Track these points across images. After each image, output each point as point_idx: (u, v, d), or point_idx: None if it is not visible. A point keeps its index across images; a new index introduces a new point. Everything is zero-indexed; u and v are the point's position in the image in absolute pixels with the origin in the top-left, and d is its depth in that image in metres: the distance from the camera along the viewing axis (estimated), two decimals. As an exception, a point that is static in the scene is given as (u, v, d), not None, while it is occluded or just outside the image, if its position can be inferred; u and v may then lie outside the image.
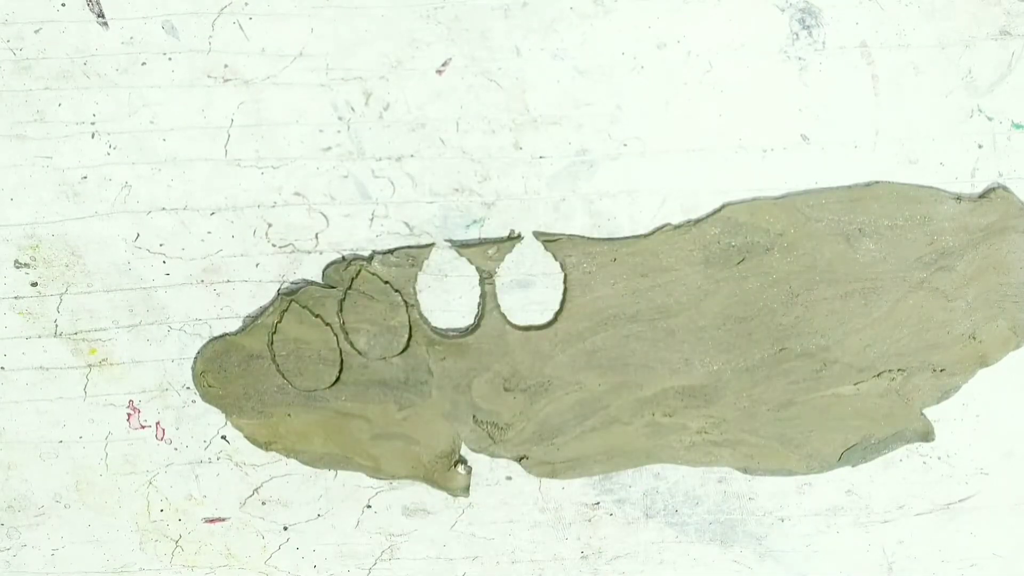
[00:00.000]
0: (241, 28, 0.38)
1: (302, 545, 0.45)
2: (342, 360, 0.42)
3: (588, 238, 0.40)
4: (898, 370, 0.42)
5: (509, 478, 0.44)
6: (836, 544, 0.45)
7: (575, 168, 0.40)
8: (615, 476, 0.44)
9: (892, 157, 0.40)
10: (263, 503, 0.44)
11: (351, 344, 0.41)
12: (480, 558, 0.45)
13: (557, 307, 0.41)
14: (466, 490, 0.44)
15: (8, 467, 0.43)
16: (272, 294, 0.41)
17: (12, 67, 0.38)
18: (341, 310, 0.41)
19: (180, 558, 0.45)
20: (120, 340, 0.42)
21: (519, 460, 0.43)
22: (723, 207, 0.40)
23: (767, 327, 0.41)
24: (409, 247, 0.40)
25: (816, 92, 0.39)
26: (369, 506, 0.44)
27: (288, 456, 0.43)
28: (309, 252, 0.41)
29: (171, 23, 0.37)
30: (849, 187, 0.40)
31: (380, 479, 0.44)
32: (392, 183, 0.40)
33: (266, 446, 0.43)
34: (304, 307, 0.41)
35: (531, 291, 0.41)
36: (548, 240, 0.40)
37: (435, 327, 0.42)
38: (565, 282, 0.41)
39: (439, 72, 0.38)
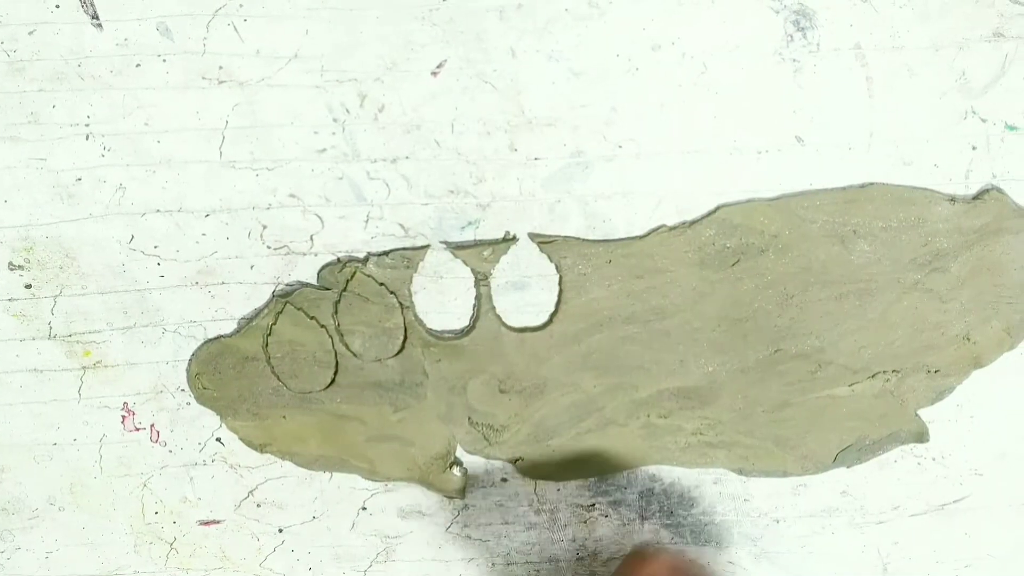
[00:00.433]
0: (236, 30, 0.38)
1: (297, 547, 0.45)
2: (337, 362, 0.42)
3: (583, 240, 0.40)
4: (893, 371, 0.42)
5: (504, 480, 0.44)
6: (831, 545, 0.45)
7: (570, 170, 0.40)
8: (610, 478, 0.44)
9: (886, 159, 0.40)
10: (258, 505, 0.44)
11: (346, 346, 0.41)
12: (475, 560, 0.45)
13: (552, 309, 0.41)
14: (461, 492, 0.44)
15: (2, 470, 0.43)
16: (267, 296, 0.41)
17: (6, 68, 0.38)
18: (336, 312, 0.41)
19: (175, 560, 0.45)
20: (114, 342, 0.41)
21: (514, 462, 0.43)
22: (718, 208, 0.40)
23: (762, 329, 0.41)
24: (404, 249, 0.40)
25: (810, 94, 0.39)
26: (364, 508, 0.44)
27: (283, 458, 0.43)
28: (304, 254, 0.40)
29: (165, 25, 0.37)
30: (843, 189, 0.40)
31: (375, 481, 0.44)
32: (387, 185, 0.40)
33: (261, 448, 0.43)
34: (299, 309, 0.41)
35: (526, 293, 0.41)
36: (543, 242, 0.40)
37: (430, 329, 0.42)
38: (560, 284, 0.41)
39: (434, 74, 0.38)
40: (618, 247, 0.40)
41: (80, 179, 0.39)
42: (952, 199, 0.40)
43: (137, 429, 0.43)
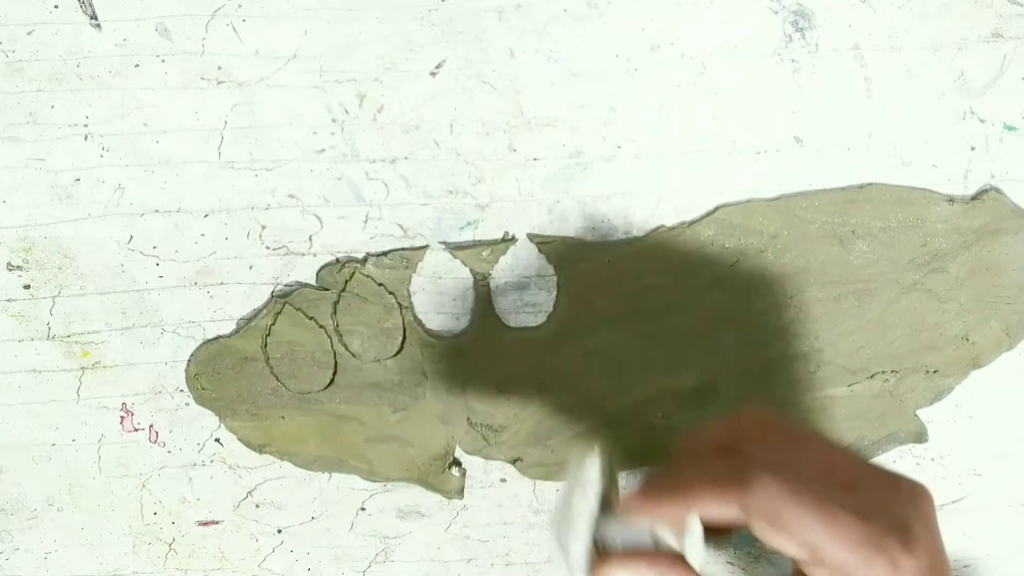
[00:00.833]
0: (234, 30, 0.38)
1: (296, 548, 0.45)
2: (336, 362, 0.42)
3: (582, 240, 0.40)
4: (891, 371, 0.42)
5: (504, 480, 0.44)
6: (830, 545, 0.45)
7: (569, 170, 0.40)
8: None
9: (885, 159, 0.40)
10: (257, 506, 0.44)
11: (345, 346, 0.41)
12: (475, 560, 0.45)
13: (551, 309, 0.41)
14: (460, 492, 0.44)
15: (1, 470, 0.43)
16: (266, 296, 0.41)
17: (5, 69, 0.38)
18: (335, 312, 0.41)
19: (173, 561, 0.45)
20: (113, 343, 0.41)
21: (513, 462, 0.43)
22: (717, 209, 0.40)
23: (761, 329, 0.41)
24: (403, 249, 0.40)
25: (809, 94, 0.39)
26: (363, 508, 0.44)
27: (282, 459, 0.43)
28: (303, 254, 0.40)
29: (164, 25, 0.37)
30: (842, 189, 0.40)
31: (374, 481, 0.44)
32: (386, 185, 0.40)
33: (260, 449, 0.43)
34: (298, 309, 0.41)
35: (525, 293, 0.41)
36: (542, 242, 0.40)
37: (429, 329, 0.42)
38: (559, 284, 0.41)
39: (433, 74, 0.38)
40: (617, 247, 0.40)
41: (79, 179, 0.39)
42: (951, 199, 0.40)
43: (136, 430, 0.43)
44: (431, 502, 0.44)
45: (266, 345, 0.41)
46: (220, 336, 0.41)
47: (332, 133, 0.39)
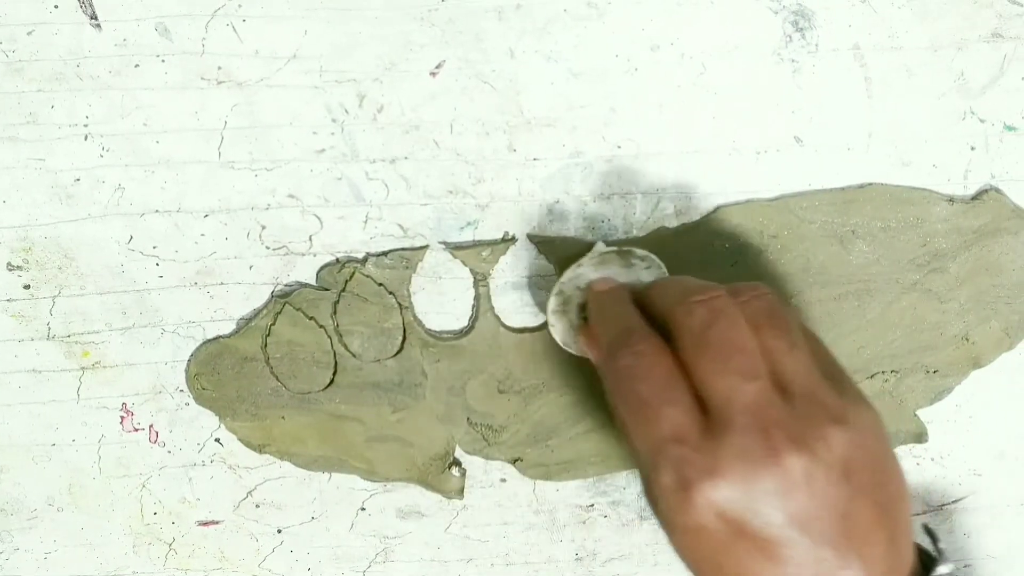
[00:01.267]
0: (235, 30, 0.38)
1: (296, 548, 0.45)
2: (336, 362, 0.41)
3: (582, 240, 0.40)
4: (891, 371, 0.42)
5: (503, 480, 0.44)
6: (830, 545, 0.45)
7: (569, 170, 0.40)
8: (609, 478, 0.44)
9: (885, 159, 0.40)
10: (257, 506, 0.44)
11: (345, 346, 0.41)
12: (474, 560, 0.45)
13: (551, 309, 0.41)
14: (460, 492, 0.44)
15: (1, 470, 0.43)
16: (266, 296, 0.41)
17: (4, 69, 0.38)
18: (335, 312, 0.41)
19: (173, 561, 0.45)
20: (113, 343, 0.41)
21: (513, 462, 0.43)
22: (717, 209, 0.40)
23: (761, 329, 0.41)
24: (403, 249, 0.40)
25: (809, 94, 0.39)
26: (363, 508, 0.44)
27: (282, 459, 0.43)
28: (303, 254, 0.40)
29: (164, 25, 0.37)
30: (842, 189, 0.40)
31: (374, 481, 0.44)
32: (386, 185, 0.40)
33: (260, 449, 0.43)
34: (298, 309, 0.41)
35: (525, 293, 0.41)
36: (542, 242, 0.40)
37: (429, 329, 0.42)
38: (559, 284, 0.41)
39: (433, 74, 0.38)
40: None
41: (79, 179, 0.39)
42: (951, 199, 0.40)
43: (136, 430, 0.43)
44: (431, 502, 0.44)
45: (266, 345, 0.41)
46: (220, 336, 0.41)
47: (332, 133, 0.39)
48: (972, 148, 0.40)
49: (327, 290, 0.41)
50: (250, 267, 0.40)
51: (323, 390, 0.42)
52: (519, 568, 0.46)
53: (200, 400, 0.42)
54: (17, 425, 0.43)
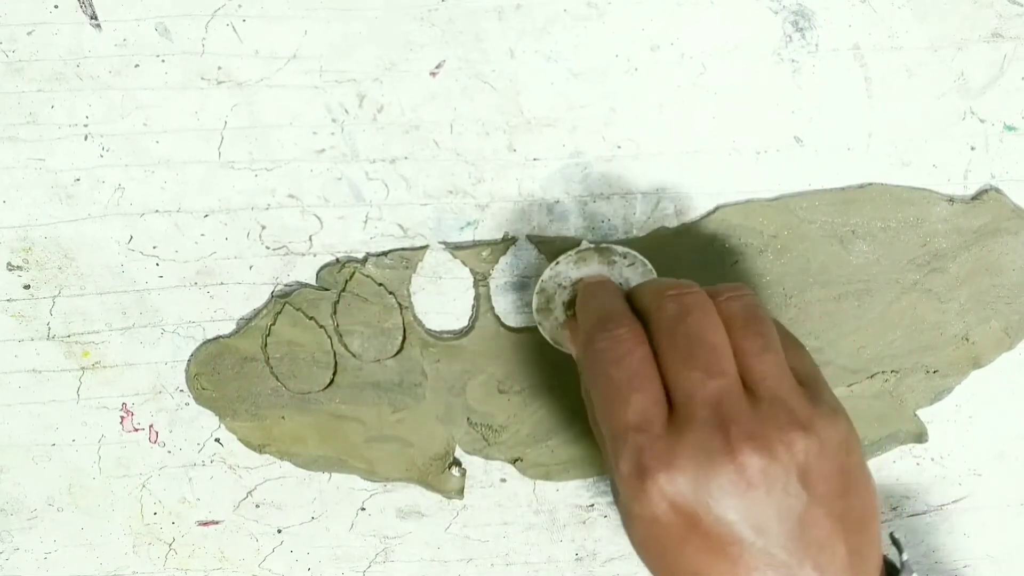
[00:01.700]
0: (234, 30, 0.38)
1: (296, 548, 0.45)
2: (336, 362, 0.42)
3: (581, 241, 0.40)
4: (891, 371, 0.42)
5: (503, 480, 0.44)
6: (830, 545, 0.45)
7: (569, 170, 0.40)
8: (609, 478, 0.44)
9: (885, 159, 0.40)
10: (257, 506, 0.44)
11: (345, 346, 0.41)
12: (474, 560, 0.45)
13: (551, 309, 0.41)
14: (460, 492, 0.44)
15: (1, 470, 0.43)
16: (266, 296, 0.41)
17: (5, 69, 0.38)
18: (335, 312, 0.41)
19: (173, 561, 0.45)
20: (113, 343, 0.41)
21: (513, 462, 0.43)
22: (717, 209, 0.40)
23: (761, 329, 0.41)
24: (403, 249, 0.40)
25: (809, 94, 0.39)
26: (363, 509, 0.44)
27: (282, 459, 0.43)
28: (303, 254, 0.40)
29: (164, 25, 0.37)
30: (842, 189, 0.40)
31: (374, 481, 0.44)
32: (386, 185, 0.40)
33: (260, 449, 0.43)
34: (298, 309, 0.41)
35: (525, 293, 0.41)
36: (542, 242, 0.40)
37: (429, 329, 0.42)
38: (559, 284, 0.41)
39: (433, 74, 0.38)
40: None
41: (79, 179, 0.39)
42: (951, 199, 0.40)
43: (136, 430, 0.43)
44: (431, 502, 0.44)
45: (266, 345, 0.41)
46: (220, 336, 0.41)
47: (332, 133, 0.39)
48: (972, 148, 0.40)
49: (327, 290, 0.41)
50: (250, 267, 0.40)
51: (323, 390, 0.42)
52: (519, 568, 0.46)
53: (200, 400, 0.42)
54: (17, 425, 0.43)
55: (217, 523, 0.44)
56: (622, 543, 0.45)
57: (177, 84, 0.38)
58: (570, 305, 0.38)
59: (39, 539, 0.45)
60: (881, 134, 0.40)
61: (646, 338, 0.32)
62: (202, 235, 0.40)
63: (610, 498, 0.44)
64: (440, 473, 0.43)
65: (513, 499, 0.44)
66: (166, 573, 0.45)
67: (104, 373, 0.42)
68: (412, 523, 0.45)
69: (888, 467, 0.44)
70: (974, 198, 0.40)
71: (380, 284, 0.41)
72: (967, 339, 0.42)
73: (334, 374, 0.42)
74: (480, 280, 0.41)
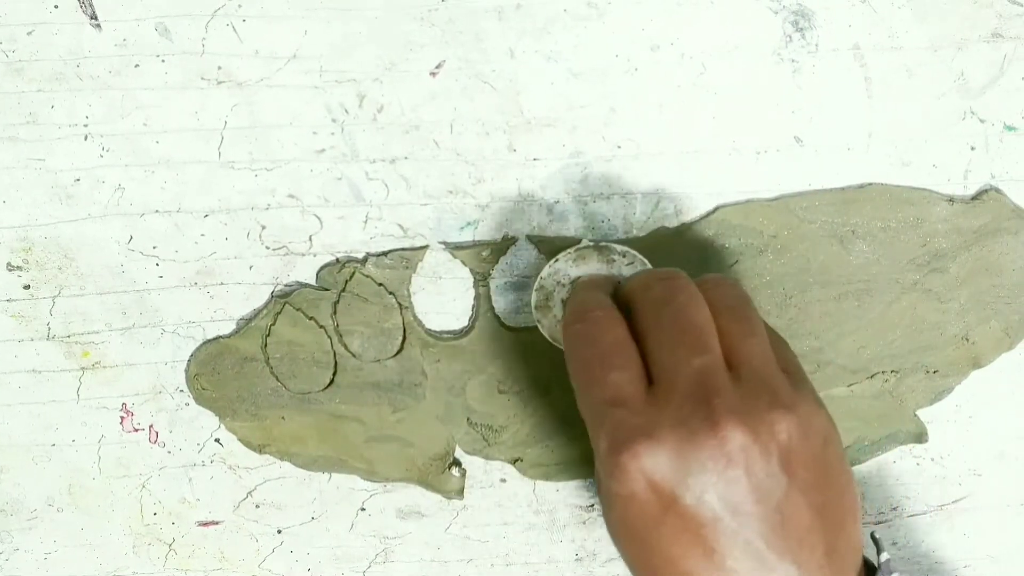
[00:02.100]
0: (235, 30, 0.38)
1: (296, 548, 0.45)
2: (336, 362, 0.41)
3: (581, 241, 0.40)
4: (891, 371, 0.42)
5: (503, 480, 0.44)
6: (830, 545, 0.45)
7: (569, 170, 0.40)
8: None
9: (885, 159, 0.40)
10: (257, 506, 0.44)
11: (345, 346, 0.41)
12: (474, 560, 0.45)
13: (551, 309, 0.41)
14: (460, 492, 0.44)
15: (0, 471, 0.43)
16: (266, 296, 0.41)
17: (4, 69, 0.38)
18: (335, 312, 0.41)
19: (173, 561, 0.45)
20: (113, 343, 0.41)
21: (513, 462, 0.43)
22: (716, 209, 0.40)
23: (761, 329, 0.41)
24: (403, 249, 0.40)
25: (809, 94, 0.39)
26: (363, 509, 0.44)
27: (282, 459, 0.43)
28: (303, 254, 0.40)
29: (164, 25, 0.37)
30: (842, 189, 0.40)
31: (374, 482, 0.44)
32: (386, 185, 0.40)
33: (260, 449, 0.43)
34: (298, 309, 0.41)
35: (525, 293, 0.41)
36: (542, 242, 0.40)
37: (429, 329, 0.42)
38: (559, 284, 0.41)
39: (433, 74, 0.38)
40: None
41: (79, 179, 0.39)
42: (951, 199, 0.40)
43: (136, 430, 0.43)
44: (431, 502, 0.44)
45: (266, 345, 0.41)
46: (220, 336, 0.41)
47: (332, 133, 0.39)
48: (972, 148, 0.40)
49: (327, 290, 0.41)
50: (250, 267, 0.40)
51: (323, 390, 0.42)
52: (519, 568, 0.46)
53: (200, 400, 0.42)
54: (17, 425, 0.43)
55: (217, 523, 0.44)
56: (622, 543, 0.45)
57: (177, 84, 0.38)
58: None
59: (39, 539, 0.45)
60: (881, 134, 0.40)
61: (623, 320, 0.33)
62: (202, 235, 0.40)
63: (610, 498, 0.44)
64: (440, 473, 0.43)
65: (513, 499, 0.44)
66: (166, 573, 0.45)
67: (104, 373, 0.42)
68: (412, 523, 0.45)
69: (888, 467, 0.44)
70: (974, 198, 0.41)
71: (380, 284, 0.41)
72: (967, 339, 0.42)
73: (334, 374, 0.42)
74: (480, 280, 0.41)
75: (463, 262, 0.41)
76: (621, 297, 0.35)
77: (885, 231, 0.41)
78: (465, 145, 0.39)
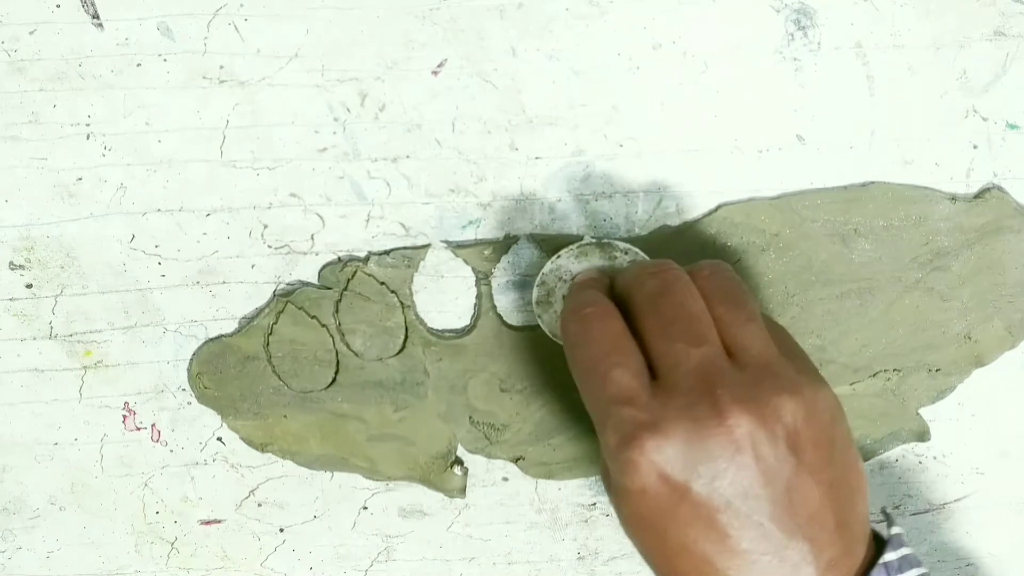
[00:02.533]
0: (236, 29, 0.38)
1: (298, 547, 0.45)
2: (338, 361, 0.42)
3: (583, 239, 0.40)
4: (894, 370, 0.42)
5: (506, 479, 0.44)
6: (832, 544, 0.45)
7: (571, 169, 0.40)
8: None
9: (887, 157, 0.40)
10: (259, 505, 0.44)
11: (347, 345, 0.41)
12: (477, 559, 0.45)
13: (553, 308, 0.41)
14: (462, 491, 0.44)
15: (3, 470, 0.43)
16: (268, 295, 0.41)
17: (7, 68, 0.38)
18: (337, 311, 0.41)
19: (176, 560, 0.45)
20: (115, 342, 0.41)
21: (515, 461, 0.43)
22: (719, 208, 0.40)
23: (763, 327, 0.41)
24: (405, 248, 0.40)
25: (811, 93, 0.39)
26: (365, 507, 0.44)
27: (284, 458, 0.43)
28: (305, 253, 0.40)
29: (166, 24, 0.37)
30: (845, 187, 0.40)
31: (376, 480, 0.44)
32: (388, 184, 0.40)
33: (262, 448, 0.43)
34: (300, 308, 0.41)
35: (527, 292, 0.41)
36: (544, 241, 0.40)
37: (431, 328, 0.42)
38: (561, 283, 0.41)
39: (435, 73, 0.38)
40: (619, 246, 0.40)
41: (81, 179, 0.39)
42: (953, 198, 0.40)
43: (138, 429, 0.43)
44: (433, 501, 0.44)
45: (268, 344, 0.41)
46: (222, 335, 0.41)
47: (334, 132, 0.39)
48: (975, 146, 0.40)
49: (329, 289, 0.41)
50: (252, 266, 0.40)
51: (325, 389, 0.42)
52: (521, 567, 0.46)
53: (202, 399, 0.42)
54: (19, 424, 0.43)
55: (219, 522, 0.44)
56: (624, 542, 0.45)
57: (179, 83, 0.38)
58: None
59: (41, 538, 0.45)
60: (883, 132, 0.40)
61: (618, 314, 0.33)
62: (204, 234, 0.40)
63: (612, 497, 0.44)
64: (442, 472, 0.43)
65: (515, 498, 0.44)
66: (168, 572, 0.45)
67: (106, 372, 0.42)
68: (414, 522, 0.45)
69: (890, 466, 0.44)
70: (976, 196, 0.40)
71: (382, 283, 0.41)
72: (969, 338, 0.42)
73: (336, 373, 0.42)
74: (482, 279, 0.41)
75: (465, 261, 0.41)
76: (616, 292, 0.35)
77: (887, 230, 0.41)
78: (467, 144, 0.39)
